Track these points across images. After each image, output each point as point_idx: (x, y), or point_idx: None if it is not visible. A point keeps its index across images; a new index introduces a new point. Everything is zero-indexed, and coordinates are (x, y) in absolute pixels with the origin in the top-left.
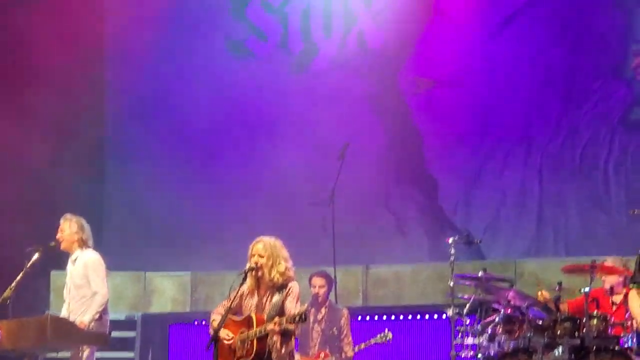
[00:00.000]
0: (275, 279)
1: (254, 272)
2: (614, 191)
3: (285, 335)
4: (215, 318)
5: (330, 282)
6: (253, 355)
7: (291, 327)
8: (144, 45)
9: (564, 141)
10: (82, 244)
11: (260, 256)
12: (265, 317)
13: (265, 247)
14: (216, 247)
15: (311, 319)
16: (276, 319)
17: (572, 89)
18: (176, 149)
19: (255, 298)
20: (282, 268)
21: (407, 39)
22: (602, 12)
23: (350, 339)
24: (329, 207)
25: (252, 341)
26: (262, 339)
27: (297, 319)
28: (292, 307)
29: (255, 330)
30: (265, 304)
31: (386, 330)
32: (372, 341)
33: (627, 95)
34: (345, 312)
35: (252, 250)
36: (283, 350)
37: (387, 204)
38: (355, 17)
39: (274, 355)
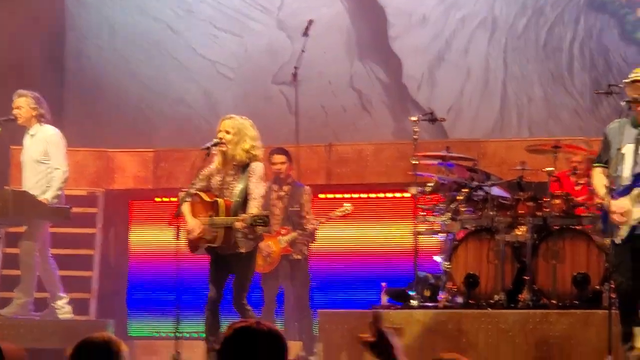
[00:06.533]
0: (239, 157)
1: (221, 148)
2: (577, 72)
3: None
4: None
5: (290, 158)
6: (220, 242)
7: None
8: None
9: (529, 21)
10: (41, 118)
11: (227, 132)
12: (232, 202)
13: (233, 123)
14: (179, 123)
15: (273, 195)
16: (243, 215)
17: None
18: (139, 24)
19: (222, 176)
20: (247, 146)
21: None
22: None
23: (312, 215)
24: (292, 85)
25: (219, 228)
26: (230, 228)
27: (257, 221)
28: (255, 188)
29: (224, 219)
30: (230, 183)
31: (346, 204)
32: (333, 215)
33: None
34: (307, 188)
35: (220, 125)
36: (249, 237)
37: (351, 83)
38: None
39: (239, 242)
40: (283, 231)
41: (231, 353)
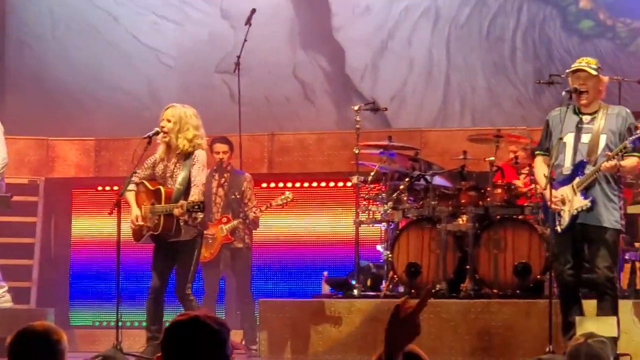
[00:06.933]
0: (182, 146)
1: (164, 137)
2: (520, 63)
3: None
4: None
5: (232, 147)
6: (160, 230)
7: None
8: None
9: (472, 11)
10: None
11: (168, 121)
12: (173, 190)
13: (174, 112)
14: (120, 112)
15: (214, 184)
16: (181, 202)
17: None
18: (80, 12)
19: (165, 165)
20: (190, 135)
21: None
22: None
23: (254, 202)
24: (235, 75)
25: (159, 216)
26: (170, 215)
27: (194, 207)
28: (197, 175)
29: (163, 206)
30: (173, 171)
31: (287, 192)
32: (273, 203)
33: None
34: (247, 176)
35: (162, 114)
36: (190, 224)
37: (294, 73)
38: None
39: (182, 229)
40: (224, 219)
41: (172, 346)
